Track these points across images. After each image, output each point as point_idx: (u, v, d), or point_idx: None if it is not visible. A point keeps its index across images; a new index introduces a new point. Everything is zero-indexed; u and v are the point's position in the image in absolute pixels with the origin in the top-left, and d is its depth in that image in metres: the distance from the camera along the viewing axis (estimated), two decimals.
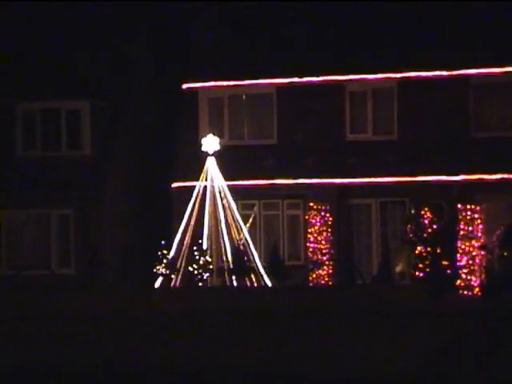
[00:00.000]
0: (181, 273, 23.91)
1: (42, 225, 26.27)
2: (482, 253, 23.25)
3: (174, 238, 24.22)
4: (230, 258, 23.84)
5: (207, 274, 23.55)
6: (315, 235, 25.30)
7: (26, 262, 25.99)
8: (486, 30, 25.61)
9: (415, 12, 26.30)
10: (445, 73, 25.05)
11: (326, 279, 25.11)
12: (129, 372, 11.39)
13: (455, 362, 11.86)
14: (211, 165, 24.52)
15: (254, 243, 24.72)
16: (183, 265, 23.86)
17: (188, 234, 24.10)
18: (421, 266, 21.81)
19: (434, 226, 22.69)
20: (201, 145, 24.69)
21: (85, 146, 26.62)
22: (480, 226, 24.35)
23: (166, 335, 15.61)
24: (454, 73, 25.02)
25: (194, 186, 24.62)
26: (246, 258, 23.75)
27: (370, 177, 25.01)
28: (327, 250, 25.24)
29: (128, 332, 16.28)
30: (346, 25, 26.57)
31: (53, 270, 25.68)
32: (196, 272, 23.58)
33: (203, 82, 26.36)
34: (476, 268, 24.10)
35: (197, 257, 23.65)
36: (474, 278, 24.06)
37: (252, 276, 23.80)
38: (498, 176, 24.43)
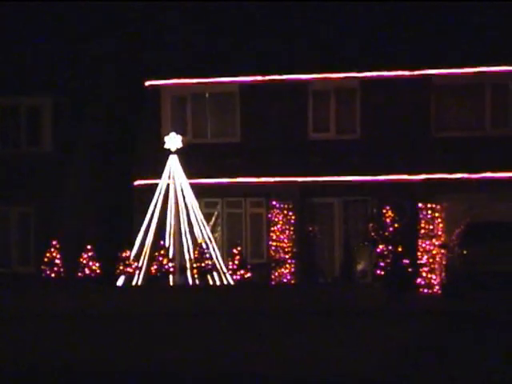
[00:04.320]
0: (143, 271, 23.69)
1: (1, 222, 25.92)
2: (443, 251, 23.28)
3: (136, 236, 24.02)
4: (191, 256, 23.67)
5: (169, 273, 23.36)
6: (278, 233, 25.20)
7: None
8: (448, 31, 25.68)
9: (378, 12, 26.29)
10: (407, 73, 25.10)
11: (288, 277, 24.98)
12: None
13: (414, 361, 11.75)
14: (174, 163, 24.41)
15: (216, 241, 24.64)
16: (145, 263, 23.65)
17: (150, 232, 23.91)
18: (382, 264, 21.82)
19: (396, 225, 22.69)
20: (163, 142, 24.54)
21: (45, 143, 26.32)
22: (440, 225, 24.52)
23: (117, 334, 15.25)
24: (416, 73, 25.11)
25: (157, 184, 24.48)
26: (207, 256, 23.59)
27: (332, 176, 24.99)
28: (290, 249, 25.14)
29: (77, 331, 15.88)
30: (308, 24, 26.47)
31: (12, 267, 25.35)
32: (158, 270, 23.37)
33: (166, 79, 26.13)
34: (436, 266, 24.17)
35: (159, 255, 23.46)
36: (434, 277, 24.13)
37: (214, 274, 23.64)
38: (458, 176, 24.60)
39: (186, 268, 23.80)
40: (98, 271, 24.07)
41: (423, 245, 24.29)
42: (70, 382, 10.60)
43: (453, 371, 10.97)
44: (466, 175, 24.57)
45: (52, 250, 24.34)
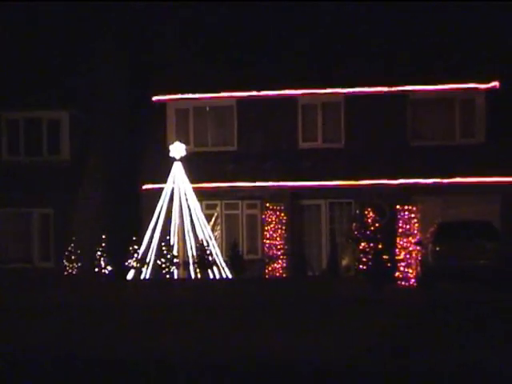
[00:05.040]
0: (150, 266, 23.95)
1: (24, 223, 26.19)
2: (418, 248, 23.58)
3: (144, 234, 24.27)
4: (194, 253, 23.95)
5: (174, 267, 23.63)
6: (271, 232, 25.51)
7: (10, 256, 25.91)
8: (423, 52, 26.17)
9: (359, 35, 26.77)
10: (386, 89, 25.54)
11: (281, 272, 25.33)
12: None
13: (394, 345, 12.17)
14: (178, 169, 24.65)
15: (216, 239, 24.97)
16: (152, 259, 23.89)
17: (157, 231, 24.15)
18: (364, 259, 22.02)
19: (376, 225, 22.97)
20: (168, 151, 24.82)
21: (64, 152, 26.59)
22: (416, 224, 24.77)
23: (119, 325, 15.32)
24: (394, 89, 25.55)
25: (162, 188, 24.74)
26: (208, 253, 23.85)
27: (319, 180, 25.31)
28: (282, 246, 25.44)
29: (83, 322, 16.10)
30: (298, 45, 26.96)
31: (34, 263, 25.65)
32: (164, 265, 23.62)
33: (171, 94, 26.50)
34: (412, 261, 24.49)
35: (164, 252, 23.71)
36: (410, 271, 24.44)
37: (214, 269, 23.90)
38: (432, 180, 24.96)
39: (188, 263, 24.07)
40: (110, 266, 24.34)
41: (401, 242, 24.50)
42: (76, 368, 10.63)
43: (427, 352, 11.40)
44: (438, 180, 24.89)
45: (69, 247, 24.62)
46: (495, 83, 25.20)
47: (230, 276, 23.82)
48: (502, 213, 24.48)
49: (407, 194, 24.82)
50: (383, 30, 26.75)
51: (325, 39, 26.94)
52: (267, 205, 25.60)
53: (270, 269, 25.29)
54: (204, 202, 25.50)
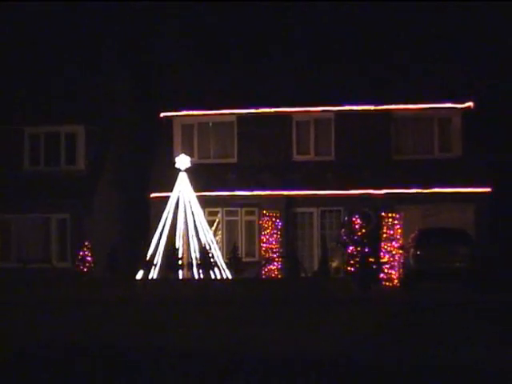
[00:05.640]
0: (157, 267, 24.15)
1: (44, 226, 26.63)
2: (401, 252, 23.98)
3: (152, 238, 24.59)
4: (197, 255, 24.16)
5: (179, 268, 23.79)
6: (267, 237, 25.97)
7: (31, 257, 26.22)
8: (405, 73, 26.70)
9: (348, 58, 27.27)
10: (372, 107, 26.02)
11: (276, 273, 25.74)
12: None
13: (379, 339, 12.06)
14: (183, 179, 25.02)
15: (217, 243, 25.21)
16: (159, 260, 24.11)
17: (163, 235, 24.39)
18: (352, 262, 22.24)
19: (363, 230, 23.15)
20: (175, 162, 25.18)
21: (79, 163, 27.19)
22: (399, 230, 25.32)
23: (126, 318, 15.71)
24: (379, 107, 26.07)
25: (169, 196, 25.07)
26: (210, 255, 24.01)
27: (312, 190, 25.87)
28: (277, 249, 25.92)
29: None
30: (292, 66, 27.39)
31: (53, 263, 25.95)
32: (170, 266, 23.76)
33: (177, 111, 26.92)
34: (395, 264, 24.86)
35: (170, 254, 23.84)
36: (393, 272, 24.79)
37: (215, 270, 24.11)
38: (414, 190, 25.48)
39: (192, 264, 24.23)
40: (120, 267, 24.53)
41: (385, 246, 24.90)
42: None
43: (409, 346, 11.45)
44: (419, 190, 25.40)
45: (84, 249, 24.90)
46: (470, 103, 25.85)
47: (230, 276, 24.26)
48: (476, 221, 25.10)
49: (391, 203, 25.43)
50: (370, 54, 27.29)
51: (317, 61, 27.44)
52: (264, 212, 26.16)
53: (266, 270, 25.74)
54: (207, 209, 25.95)
